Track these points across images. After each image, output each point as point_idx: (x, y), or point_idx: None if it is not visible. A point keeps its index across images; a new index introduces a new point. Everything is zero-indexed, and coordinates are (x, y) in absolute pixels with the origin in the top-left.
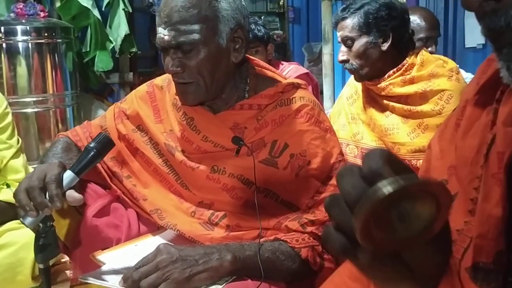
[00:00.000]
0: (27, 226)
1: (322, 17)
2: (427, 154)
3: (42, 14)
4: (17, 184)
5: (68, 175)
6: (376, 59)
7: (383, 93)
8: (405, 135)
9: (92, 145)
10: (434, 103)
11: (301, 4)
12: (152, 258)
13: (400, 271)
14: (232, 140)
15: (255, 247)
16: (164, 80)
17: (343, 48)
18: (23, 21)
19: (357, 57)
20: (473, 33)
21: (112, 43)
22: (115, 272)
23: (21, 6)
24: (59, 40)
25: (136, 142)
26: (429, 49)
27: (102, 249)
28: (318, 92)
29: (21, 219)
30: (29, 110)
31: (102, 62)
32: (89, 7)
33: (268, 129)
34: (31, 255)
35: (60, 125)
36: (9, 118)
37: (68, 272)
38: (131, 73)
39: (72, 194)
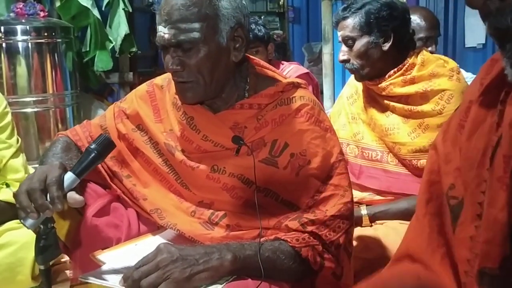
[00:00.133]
0: (28, 228)
1: (322, 17)
2: (432, 156)
3: (42, 13)
4: (17, 183)
5: (69, 177)
6: (377, 59)
7: (383, 93)
8: (405, 135)
9: (93, 146)
10: (434, 103)
11: (301, 4)
12: (152, 257)
13: None
14: (232, 139)
15: (256, 246)
16: (164, 79)
17: (344, 48)
18: (23, 20)
19: (358, 57)
20: (473, 33)
21: (112, 42)
22: (115, 271)
23: (21, 6)
24: (59, 40)
25: (136, 141)
26: (429, 48)
27: (102, 249)
28: (318, 92)
29: (21, 221)
30: (28, 110)
31: (102, 62)
32: (89, 6)
33: (268, 129)
34: (31, 254)
35: (60, 125)
36: (9, 117)
37: (68, 272)
38: (131, 73)
39: (73, 196)
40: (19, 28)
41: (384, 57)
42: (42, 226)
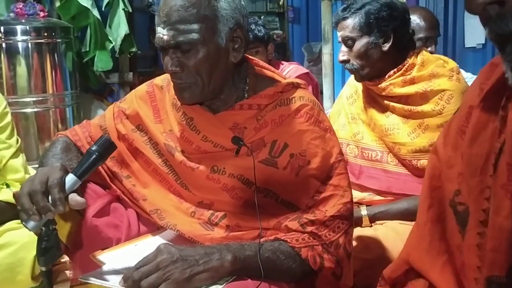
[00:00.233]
0: (30, 230)
1: (322, 17)
2: (433, 160)
3: (41, 14)
4: (17, 184)
5: (70, 179)
6: (377, 59)
7: (383, 93)
8: (405, 135)
9: (94, 148)
10: (434, 103)
11: (300, 4)
12: (152, 258)
13: None
14: (232, 140)
15: (255, 247)
16: (163, 80)
17: (344, 48)
18: (23, 21)
19: (358, 58)
20: (473, 33)
21: (112, 43)
22: (115, 272)
23: (20, 6)
24: (59, 40)
25: (136, 142)
26: (429, 49)
27: (102, 249)
28: (318, 92)
29: (23, 223)
30: (28, 110)
31: (102, 62)
32: (89, 7)
33: (268, 129)
34: (31, 254)
35: (59, 125)
36: (8, 118)
37: (68, 272)
38: (131, 73)
39: (74, 198)
40: (19, 28)
41: (384, 57)
42: (43, 228)
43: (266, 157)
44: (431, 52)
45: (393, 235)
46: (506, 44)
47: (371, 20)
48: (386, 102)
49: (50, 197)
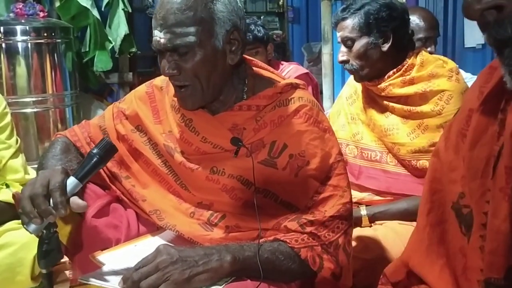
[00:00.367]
0: (31, 233)
1: (322, 17)
2: (435, 163)
3: (41, 14)
4: (16, 184)
5: (71, 182)
6: (376, 59)
7: (383, 94)
8: (404, 136)
9: (95, 151)
10: (434, 104)
11: (300, 4)
12: (152, 259)
13: None
14: (231, 141)
15: (255, 247)
16: (163, 81)
17: (343, 48)
18: (23, 21)
19: (357, 58)
20: (473, 33)
21: (112, 43)
22: (115, 272)
23: (20, 6)
24: (59, 40)
25: (135, 142)
26: (428, 49)
27: (102, 250)
28: (318, 92)
29: (24, 226)
30: (28, 110)
31: (102, 62)
32: (89, 7)
33: (267, 130)
34: (31, 255)
35: (59, 125)
36: (8, 118)
37: (67, 272)
38: (131, 73)
39: (76, 201)
40: (18, 28)
41: (383, 57)
42: (45, 231)
43: (265, 158)
44: (430, 53)
45: (393, 235)
46: (504, 48)
47: (371, 21)
48: (385, 102)
49: (51, 200)
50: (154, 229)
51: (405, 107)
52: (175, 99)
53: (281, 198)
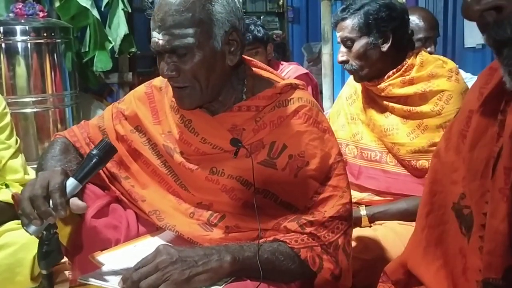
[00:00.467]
0: (31, 234)
1: (322, 17)
2: (435, 164)
3: (41, 14)
4: (16, 184)
5: (71, 183)
6: (376, 60)
7: (382, 94)
8: (404, 136)
9: (94, 152)
10: (433, 104)
11: (300, 4)
12: (151, 259)
13: None
14: (231, 141)
15: (255, 248)
16: (162, 81)
17: (343, 48)
18: (22, 21)
19: (357, 58)
20: (473, 33)
21: (111, 43)
22: (114, 273)
23: (20, 6)
24: (58, 40)
25: (135, 143)
26: (428, 49)
27: (101, 250)
28: (317, 92)
29: (24, 227)
30: (28, 110)
31: (101, 62)
32: (88, 7)
33: (267, 131)
34: (30, 255)
35: (59, 125)
36: (8, 118)
37: (67, 272)
38: (131, 73)
39: (76, 202)
40: (18, 28)
41: (383, 58)
42: (45, 232)
43: (265, 158)
44: (430, 53)
45: (392, 235)
46: (503, 49)
47: (370, 21)
48: (385, 102)
49: (51, 202)
50: (154, 229)
51: (405, 107)
52: (175, 102)
53: (281, 199)
